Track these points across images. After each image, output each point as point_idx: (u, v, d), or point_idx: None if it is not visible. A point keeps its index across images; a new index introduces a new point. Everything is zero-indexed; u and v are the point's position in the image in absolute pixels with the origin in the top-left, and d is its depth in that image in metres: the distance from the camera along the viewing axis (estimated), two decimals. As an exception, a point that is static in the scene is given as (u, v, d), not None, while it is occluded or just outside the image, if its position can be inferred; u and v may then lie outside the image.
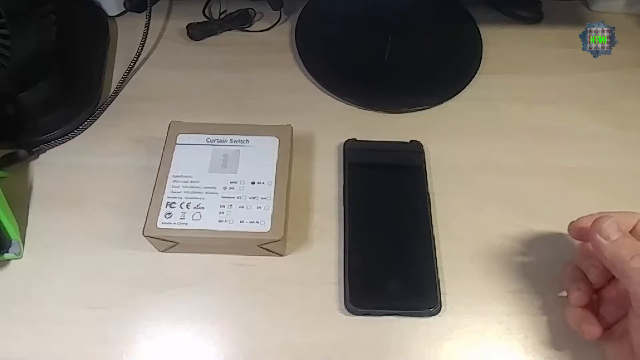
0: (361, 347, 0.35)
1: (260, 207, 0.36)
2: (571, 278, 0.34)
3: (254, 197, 0.36)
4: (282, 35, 0.52)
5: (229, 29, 0.51)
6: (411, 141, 0.43)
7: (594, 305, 0.34)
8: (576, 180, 0.42)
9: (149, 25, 0.48)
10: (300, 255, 0.38)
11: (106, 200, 0.40)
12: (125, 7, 0.52)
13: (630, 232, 0.32)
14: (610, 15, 0.52)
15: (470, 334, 0.35)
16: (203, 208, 0.36)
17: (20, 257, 0.38)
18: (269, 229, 0.35)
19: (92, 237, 0.39)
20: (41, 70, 0.43)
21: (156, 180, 0.37)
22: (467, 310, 0.36)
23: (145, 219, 0.35)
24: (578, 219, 0.34)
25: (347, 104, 0.46)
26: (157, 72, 0.49)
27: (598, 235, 0.31)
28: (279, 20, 0.52)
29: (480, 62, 0.49)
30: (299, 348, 0.34)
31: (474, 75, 0.48)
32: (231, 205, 0.36)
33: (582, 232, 0.34)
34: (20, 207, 0.39)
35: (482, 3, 0.53)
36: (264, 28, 0.52)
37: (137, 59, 0.48)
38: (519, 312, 0.36)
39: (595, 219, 0.32)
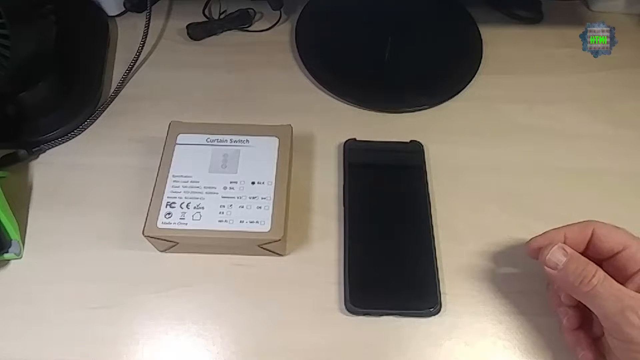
0: (361, 347, 0.35)
1: (260, 207, 0.36)
2: (556, 301, 0.34)
3: (254, 197, 0.36)
4: (282, 35, 0.52)
5: (229, 29, 0.51)
6: (411, 141, 0.43)
7: (587, 321, 0.33)
8: (576, 180, 0.42)
9: (149, 25, 0.48)
10: (300, 255, 0.38)
11: (106, 200, 0.40)
12: (125, 7, 0.52)
13: (588, 243, 0.32)
14: (610, 15, 0.52)
15: (470, 334, 0.35)
16: (203, 208, 0.36)
17: (20, 257, 0.38)
18: (269, 229, 0.35)
19: (92, 237, 0.39)
20: (41, 70, 0.43)
21: (156, 180, 0.37)
22: (467, 310, 0.36)
23: (145, 219, 0.35)
24: (531, 240, 0.34)
25: (347, 104, 0.46)
26: (157, 72, 0.49)
27: (546, 268, 0.31)
28: (279, 20, 0.52)
29: (480, 62, 0.49)
30: (299, 348, 0.34)
31: (474, 75, 0.48)
32: (231, 205, 0.36)
33: (539, 252, 0.33)
34: (20, 207, 0.39)
35: (482, 3, 0.53)
36: (264, 28, 0.52)
37: (137, 59, 0.48)
38: (519, 312, 0.36)
39: (541, 249, 0.32)
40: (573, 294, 0.31)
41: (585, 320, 0.33)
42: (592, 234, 0.32)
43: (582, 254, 0.31)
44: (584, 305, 0.31)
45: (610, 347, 0.30)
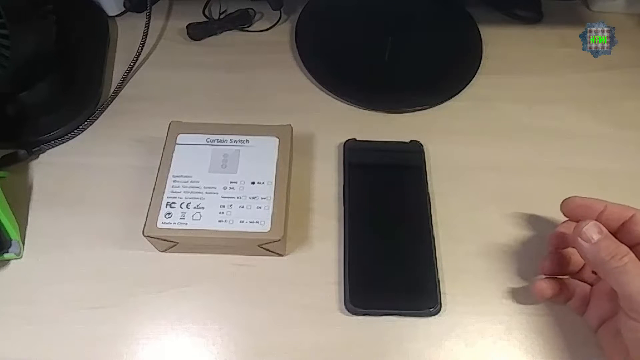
0: (361, 347, 0.35)
1: (260, 207, 0.36)
2: (553, 247, 0.36)
3: (254, 197, 0.36)
4: (282, 35, 0.52)
5: (229, 29, 0.51)
6: (411, 141, 0.43)
7: (566, 288, 0.35)
8: (576, 180, 0.42)
9: (149, 25, 0.48)
10: (300, 255, 0.38)
11: (106, 200, 0.40)
12: (125, 7, 0.52)
13: (622, 225, 0.33)
14: (610, 15, 0.52)
15: (470, 334, 0.35)
16: (203, 208, 0.36)
17: (20, 257, 0.38)
18: (269, 229, 0.35)
19: (92, 237, 0.39)
20: (41, 70, 0.43)
21: (156, 180, 0.37)
22: (467, 310, 0.36)
23: (145, 219, 0.35)
24: (570, 198, 0.35)
25: (347, 104, 0.46)
26: (157, 72, 0.49)
27: (579, 239, 0.32)
28: (279, 20, 0.52)
29: (480, 62, 0.49)
30: (299, 348, 0.34)
31: (474, 75, 0.48)
32: (231, 205, 0.36)
33: (576, 211, 0.34)
34: (20, 207, 0.39)
35: (482, 3, 0.53)
36: (264, 28, 0.52)
37: (137, 59, 0.48)
38: (519, 312, 0.36)
39: (575, 211, 0.34)
40: (600, 269, 0.31)
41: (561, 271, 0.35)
42: (630, 218, 0.32)
43: (612, 233, 0.32)
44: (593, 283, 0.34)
45: (621, 327, 0.30)
